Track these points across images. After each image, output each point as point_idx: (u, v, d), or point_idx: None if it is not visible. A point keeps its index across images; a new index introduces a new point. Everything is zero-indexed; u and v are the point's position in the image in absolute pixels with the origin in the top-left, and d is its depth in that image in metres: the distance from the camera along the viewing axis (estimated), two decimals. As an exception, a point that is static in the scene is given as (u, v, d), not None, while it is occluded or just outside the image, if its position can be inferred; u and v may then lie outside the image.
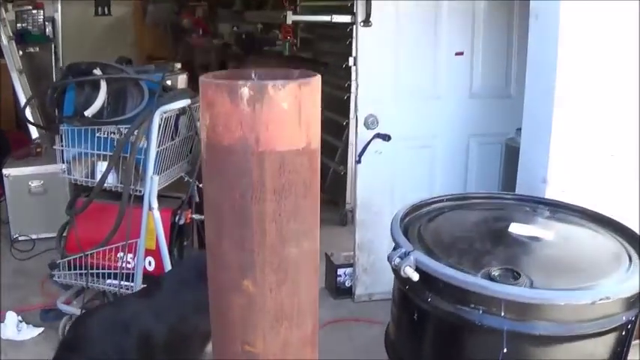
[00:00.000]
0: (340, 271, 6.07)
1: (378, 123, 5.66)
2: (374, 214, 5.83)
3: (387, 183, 5.87)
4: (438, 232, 3.61)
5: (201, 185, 4.05)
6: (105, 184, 5.02)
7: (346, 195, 7.90)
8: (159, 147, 4.98)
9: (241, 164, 3.02)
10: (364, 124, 5.61)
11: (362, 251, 5.95)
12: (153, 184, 4.93)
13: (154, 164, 4.98)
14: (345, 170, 7.19)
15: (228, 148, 3.03)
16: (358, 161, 5.67)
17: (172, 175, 5.45)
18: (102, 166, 5.15)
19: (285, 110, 3.02)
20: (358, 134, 5.61)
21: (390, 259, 3.22)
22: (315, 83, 3.11)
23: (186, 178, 5.54)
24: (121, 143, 4.87)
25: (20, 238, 7.29)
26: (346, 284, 6.10)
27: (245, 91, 2.91)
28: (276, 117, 3.02)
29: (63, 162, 5.31)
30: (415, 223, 3.65)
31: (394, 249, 3.25)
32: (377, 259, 5.84)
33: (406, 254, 3.10)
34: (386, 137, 5.67)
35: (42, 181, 7.28)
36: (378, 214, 5.82)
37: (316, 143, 3.16)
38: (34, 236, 7.31)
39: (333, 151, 7.93)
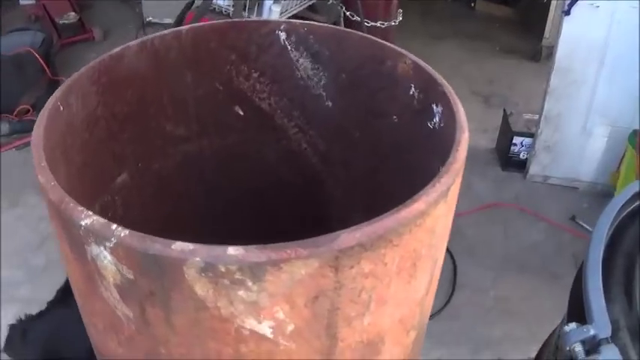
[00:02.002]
0: (517, 140, 4.05)
1: (602, -38, 3.39)
2: (571, 82, 3.74)
3: (597, 48, 3.64)
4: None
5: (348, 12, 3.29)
6: (214, 4, 3.48)
7: (545, 26, 5.15)
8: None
9: None
10: (583, -40, 3.38)
11: (547, 124, 3.93)
12: (272, 16, 3.44)
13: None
14: (550, -3, 4.60)
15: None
16: (566, 12, 3.56)
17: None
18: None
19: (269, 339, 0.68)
20: (573, -26, 3.65)
21: (563, 337, 1.28)
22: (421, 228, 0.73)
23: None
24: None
25: (152, 21, 5.22)
26: (521, 156, 4.08)
27: (106, 262, 0.69)
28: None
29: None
30: (631, 241, 1.44)
31: (570, 315, 1.42)
32: (563, 137, 3.86)
33: (595, 342, 1.24)
34: (611, -15, 3.43)
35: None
36: (576, 84, 3.75)
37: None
38: (167, 20, 5.09)
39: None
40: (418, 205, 0.69)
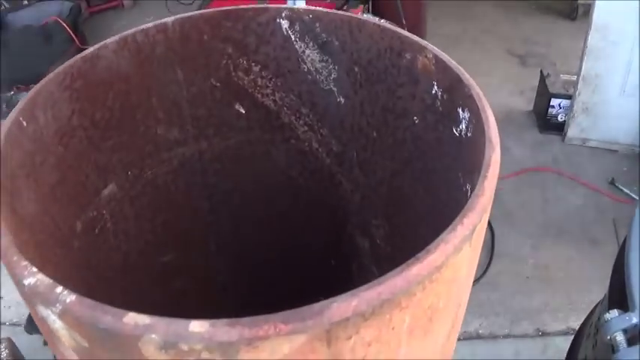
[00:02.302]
0: (554, 102, 3.96)
1: None
2: (611, 43, 3.60)
3: (635, 5, 3.46)
4: None
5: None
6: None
7: (582, -16, 5.02)
8: None
9: None
10: None
11: (586, 85, 3.77)
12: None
13: None
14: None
15: None
16: (602, -32, 3.45)
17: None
18: None
19: None
20: None
21: (604, 326, 1.35)
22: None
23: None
24: None
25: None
26: (558, 118, 4.03)
27: (56, 326, 0.55)
28: None
29: None
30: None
31: (610, 301, 1.47)
32: (602, 99, 3.74)
33: (637, 331, 1.31)
34: None
35: None
36: (615, 43, 3.62)
37: None
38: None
39: None
40: (434, 257, 0.54)
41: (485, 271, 3.00)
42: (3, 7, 4.04)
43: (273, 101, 0.99)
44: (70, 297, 0.52)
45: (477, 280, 2.83)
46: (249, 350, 0.51)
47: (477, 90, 0.74)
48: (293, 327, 0.50)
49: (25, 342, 2.13)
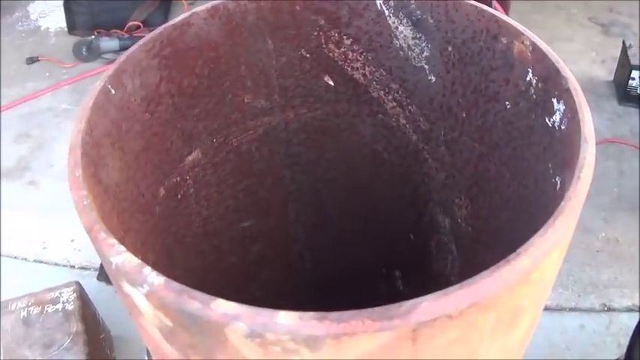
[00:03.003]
0: (635, 74, 3.66)
1: None
2: None
3: None
4: None
5: None
6: None
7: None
8: None
9: None
10: None
11: None
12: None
13: None
14: None
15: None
16: None
17: None
18: None
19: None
20: None
21: None
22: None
23: None
24: None
25: None
26: (638, 91, 3.70)
27: (141, 303, 0.55)
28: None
29: None
30: None
31: None
32: None
33: None
34: None
35: None
36: None
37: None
38: None
39: None
40: (523, 262, 0.52)
41: (555, 243, 2.91)
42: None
43: (363, 75, 0.96)
44: (158, 279, 0.52)
45: (547, 252, 2.78)
46: (335, 344, 0.50)
47: (574, 84, 0.70)
48: (381, 325, 0.49)
49: (93, 286, 2.15)
